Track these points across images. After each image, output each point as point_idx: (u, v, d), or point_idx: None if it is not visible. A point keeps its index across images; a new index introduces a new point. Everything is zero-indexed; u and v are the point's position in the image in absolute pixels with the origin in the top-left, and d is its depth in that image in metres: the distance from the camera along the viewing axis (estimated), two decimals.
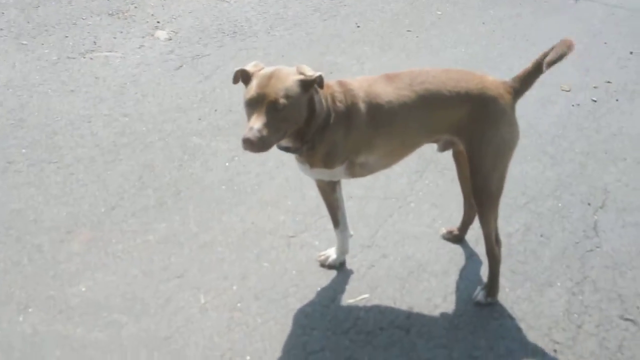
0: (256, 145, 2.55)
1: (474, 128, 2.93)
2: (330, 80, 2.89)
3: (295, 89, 2.64)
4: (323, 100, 2.77)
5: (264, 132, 2.55)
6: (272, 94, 2.59)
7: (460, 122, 2.93)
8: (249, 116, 2.63)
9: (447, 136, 3.01)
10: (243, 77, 2.75)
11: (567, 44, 2.92)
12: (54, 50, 5.43)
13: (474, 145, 2.95)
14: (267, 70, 2.70)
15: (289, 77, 2.66)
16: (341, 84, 2.91)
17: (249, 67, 2.75)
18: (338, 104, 2.83)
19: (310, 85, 2.68)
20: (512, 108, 2.98)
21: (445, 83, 2.92)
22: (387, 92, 2.89)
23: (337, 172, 2.98)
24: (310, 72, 2.69)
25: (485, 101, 2.92)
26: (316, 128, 2.78)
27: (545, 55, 2.93)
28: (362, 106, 2.85)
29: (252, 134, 2.54)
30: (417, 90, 2.90)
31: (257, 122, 2.56)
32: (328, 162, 2.90)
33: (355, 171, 3.01)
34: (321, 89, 2.74)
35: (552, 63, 2.90)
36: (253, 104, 2.62)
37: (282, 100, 2.59)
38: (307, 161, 2.92)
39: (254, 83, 2.65)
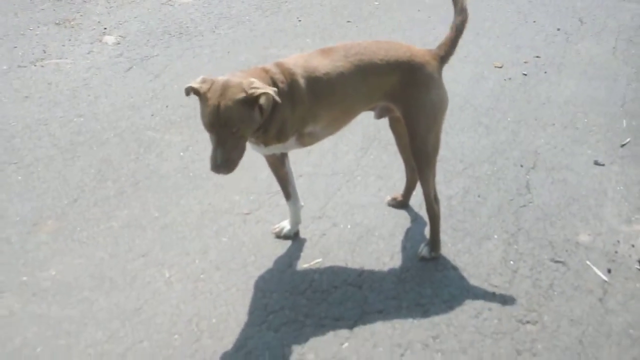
0: (227, 169, 2.84)
1: (406, 93, 3.18)
2: (266, 64, 3.11)
3: (243, 109, 2.79)
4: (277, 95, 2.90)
5: (228, 156, 2.82)
6: (224, 121, 2.77)
7: (393, 88, 3.18)
8: (209, 135, 2.85)
9: (383, 103, 3.26)
10: (194, 92, 2.87)
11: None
12: (4, 60, 5.57)
13: (409, 110, 3.21)
14: (216, 89, 2.79)
15: (236, 97, 2.77)
16: (278, 64, 3.11)
17: (197, 85, 2.85)
18: (280, 84, 3.02)
19: (256, 100, 2.81)
20: (439, 73, 3.25)
21: (376, 53, 3.17)
22: (324, 65, 3.12)
23: (289, 144, 3.22)
24: (255, 89, 2.78)
25: (414, 67, 3.18)
26: (266, 115, 2.99)
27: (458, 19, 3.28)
28: (301, 81, 3.07)
29: (220, 164, 2.81)
30: (351, 60, 3.14)
31: (219, 150, 2.80)
32: (281, 137, 3.13)
33: (305, 141, 3.24)
34: (278, 102, 2.85)
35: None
36: (210, 129, 2.82)
37: (234, 128, 2.79)
38: (261, 142, 3.15)
39: (205, 110, 2.80)
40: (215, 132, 2.81)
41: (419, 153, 3.27)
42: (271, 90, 2.81)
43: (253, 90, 2.78)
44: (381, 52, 3.17)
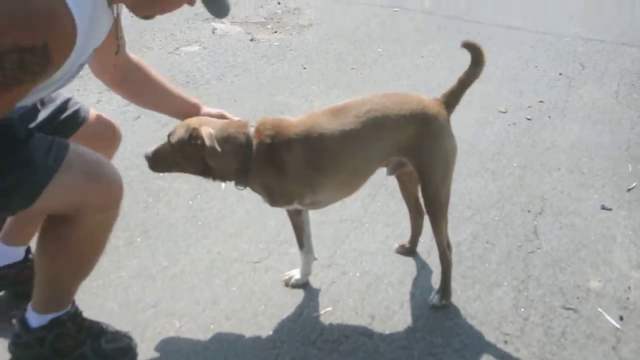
0: (147, 161, 3.15)
1: (421, 145, 3.17)
2: (267, 119, 3.16)
3: (181, 140, 2.99)
4: (231, 150, 3.02)
5: (155, 157, 3.11)
6: (171, 138, 3.05)
7: (408, 141, 3.16)
8: None
9: (397, 157, 3.26)
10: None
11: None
12: None
13: (424, 162, 3.19)
14: (191, 120, 3.09)
15: (183, 129, 3.00)
16: (277, 125, 3.11)
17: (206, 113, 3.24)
18: (260, 147, 3.05)
19: (194, 139, 2.95)
20: (449, 122, 3.27)
21: (389, 108, 3.15)
22: (331, 131, 3.08)
23: (292, 206, 3.28)
24: (193, 130, 2.95)
25: (428, 119, 3.17)
26: (234, 172, 3.08)
27: (466, 73, 3.28)
28: (297, 151, 3.06)
29: (148, 155, 3.13)
30: (363, 120, 3.10)
31: (157, 148, 3.12)
32: (272, 202, 3.22)
33: (310, 207, 3.32)
34: (204, 150, 2.94)
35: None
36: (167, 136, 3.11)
37: (173, 147, 3.03)
38: (260, 195, 3.24)
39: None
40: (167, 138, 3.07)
41: (432, 203, 3.27)
42: (207, 139, 2.92)
43: (192, 128, 2.96)
44: (395, 106, 3.15)
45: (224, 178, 3.15)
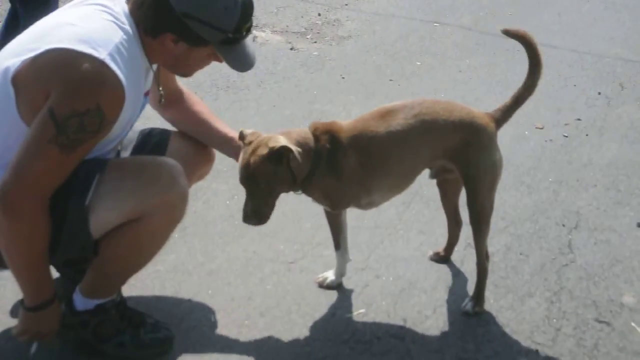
0: (256, 220, 3.07)
1: (468, 153, 3.22)
2: (318, 124, 3.22)
3: (267, 166, 2.95)
4: (301, 156, 2.97)
5: (257, 209, 3.03)
6: (251, 176, 2.97)
7: (455, 148, 3.22)
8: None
9: (442, 161, 3.31)
10: (242, 138, 3.12)
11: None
12: None
13: (471, 171, 3.25)
14: (253, 145, 2.99)
15: (260, 153, 2.93)
16: (329, 129, 3.18)
17: (248, 135, 3.08)
18: (322, 152, 3.12)
19: (280, 156, 2.94)
20: (496, 135, 3.33)
21: (439, 113, 3.21)
22: (381, 134, 3.16)
23: (348, 207, 3.38)
24: (275, 143, 2.92)
25: (477, 129, 3.23)
26: (302, 178, 3.12)
27: (521, 90, 3.36)
28: (352, 154, 3.14)
29: (249, 215, 3.06)
30: (412, 123, 3.16)
31: (249, 203, 3.02)
32: (332, 206, 3.31)
33: (365, 207, 3.40)
34: (291, 160, 2.95)
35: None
36: (241, 182, 3.03)
37: (261, 184, 2.98)
38: (315, 200, 3.31)
39: (240, 162, 3.03)
40: (246, 185, 3.00)
41: (478, 213, 3.32)
42: (293, 148, 2.90)
43: (273, 145, 2.90)
44: (444, 112, 3.21)
45: (295, 187, 3.17)
